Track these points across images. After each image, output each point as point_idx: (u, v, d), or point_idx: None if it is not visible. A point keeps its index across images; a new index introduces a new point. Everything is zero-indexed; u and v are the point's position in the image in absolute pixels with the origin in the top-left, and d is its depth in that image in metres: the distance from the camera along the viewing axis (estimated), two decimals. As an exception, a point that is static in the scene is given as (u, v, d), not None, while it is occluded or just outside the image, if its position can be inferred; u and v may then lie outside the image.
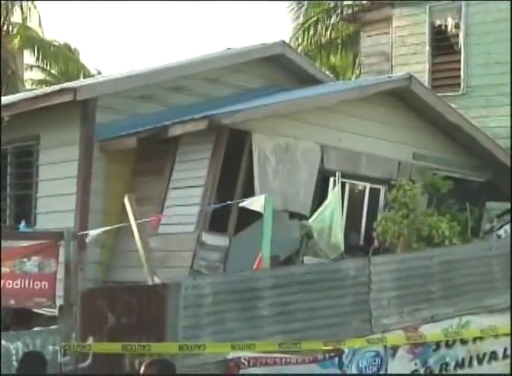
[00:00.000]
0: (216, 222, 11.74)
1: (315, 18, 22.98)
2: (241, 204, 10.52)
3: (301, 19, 23.72)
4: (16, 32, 26.98)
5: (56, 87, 14.48)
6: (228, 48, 14.86)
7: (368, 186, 13.04)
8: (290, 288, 9.48)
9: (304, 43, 22.86)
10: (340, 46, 22.93)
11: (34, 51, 26.75)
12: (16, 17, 27.06)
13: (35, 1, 27.09)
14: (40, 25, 27.37)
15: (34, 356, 8.60)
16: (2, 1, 25.75)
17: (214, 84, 13.79)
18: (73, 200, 12.40)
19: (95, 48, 59.50)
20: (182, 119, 12.15)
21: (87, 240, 10.47)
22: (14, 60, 26.89)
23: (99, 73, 29.70)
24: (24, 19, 26.41)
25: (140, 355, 8.37)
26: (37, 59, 27.36)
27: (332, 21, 22.78)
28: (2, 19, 26.23)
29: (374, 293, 9.91)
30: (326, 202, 11.33)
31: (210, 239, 11.63)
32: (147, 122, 12.65)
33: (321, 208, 11.36)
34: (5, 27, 26.56)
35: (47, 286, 9.70)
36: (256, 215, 10.56)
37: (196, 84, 13.63)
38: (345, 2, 22.95)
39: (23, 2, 26.55)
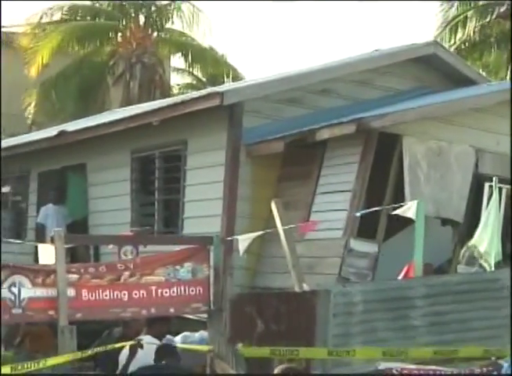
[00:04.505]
0: (364, 228, 11.44)
1: (462, 16, 22.29)
2: (394, 212, 10.19)
3: (450, 19, 23.10)
4: (168, 37, 27.54)
5: (203, 92, 14.54)
6: (376, 50, 14.53)
7: (526, 191, 12.41)
8: (444, 298, 9.18)
9: (452, 42, 22.22)
10: (494, 45, 22.15)
11: (188, 55, 27.09)
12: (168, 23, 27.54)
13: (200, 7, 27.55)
14: (210, 31, 27.91)
15: (168, 347, 8.76)
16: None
17: (361, 87, 13.50)
18: (219, 205, 12.37)
19: (236, 52, 60.31)
20: (329, 123, 11.93)
21: (242, 248, 10.30)
22: (162, 65, 27.41)
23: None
24: (189, 24, 26.84)
25: (289, 360, 8.22)
26: (187, 63, 27.73)
27: (485, 19, 22.03)
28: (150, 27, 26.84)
29: (534, 304, 9.41)
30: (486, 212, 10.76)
31: (358, 245, 11.35)
32: (293, 126, 12.49)
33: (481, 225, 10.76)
34: (154, 34, 27.14)
35: (202, 291, 9.68)
36: (405, 222, 10.20)
37: (343, 87, 13.37)
38: (501, -1, 22.13)
39: (188, 8, 27.02)
